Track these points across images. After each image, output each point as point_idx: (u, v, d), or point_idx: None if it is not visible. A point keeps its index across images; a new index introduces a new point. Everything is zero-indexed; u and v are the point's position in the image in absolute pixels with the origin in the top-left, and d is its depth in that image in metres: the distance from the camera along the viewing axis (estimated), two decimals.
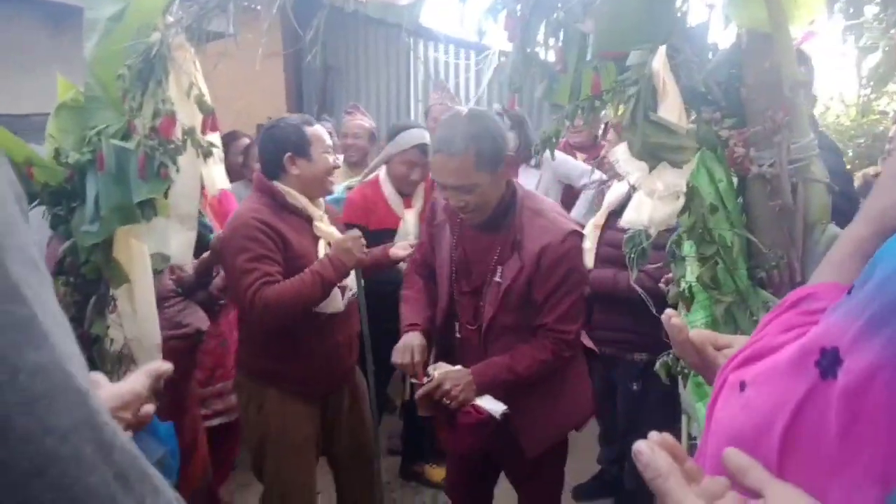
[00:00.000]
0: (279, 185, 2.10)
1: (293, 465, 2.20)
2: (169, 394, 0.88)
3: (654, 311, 2.04)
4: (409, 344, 1.87)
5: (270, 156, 2.13)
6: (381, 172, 2.90)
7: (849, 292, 0.48)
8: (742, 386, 0.54)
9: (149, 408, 0.81)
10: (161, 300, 2.67)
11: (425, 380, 1.81)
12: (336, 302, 2.12)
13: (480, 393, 1.79)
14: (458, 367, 1.84)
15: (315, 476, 2.31)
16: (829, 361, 0.46)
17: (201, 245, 2.31)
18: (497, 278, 1.85)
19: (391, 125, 3.10)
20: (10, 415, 0.35)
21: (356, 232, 2.09)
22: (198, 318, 2.50)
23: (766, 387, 0.50)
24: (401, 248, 2.47)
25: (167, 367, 0.88)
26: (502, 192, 1.83)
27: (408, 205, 2.88)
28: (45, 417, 0.36)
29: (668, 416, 2.74)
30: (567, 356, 1.88)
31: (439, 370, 1.84)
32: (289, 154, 2.09)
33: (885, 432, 0.41)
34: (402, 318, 2.00)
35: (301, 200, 2.11)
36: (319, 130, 2.16)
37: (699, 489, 0.47)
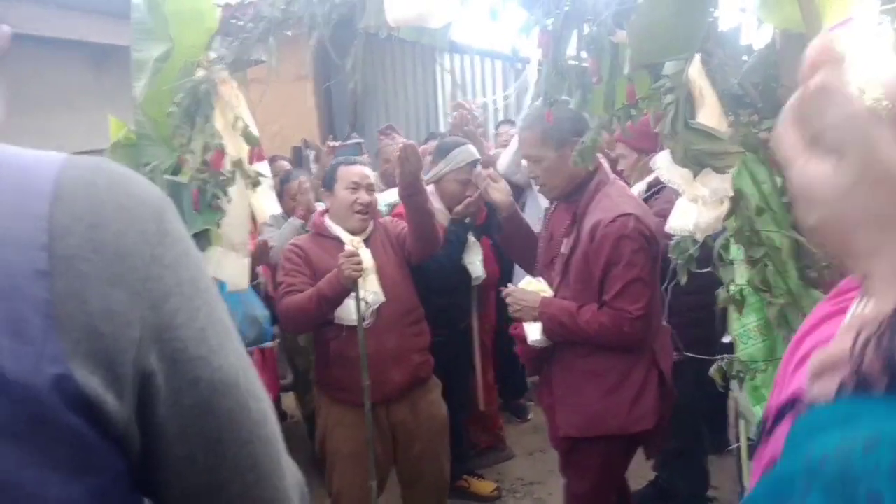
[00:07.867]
0: (321, 216, 2.39)
1: (343, 470, 2.29)
2: None
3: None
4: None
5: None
6: (430, 189, 2.69)
7: None
8: None
9: None
10: None
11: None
12: (348, 313, 2.21)
13: (537, 319, 1.98)
14: (544, 286, 2.05)
15: (369, 485, 2.31)
16: None
17: None
18: (563, 250, 2.00)
19: (440, 140, 3.02)
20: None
21: (351, 250, 2.18)
22: None
23: None
24: None
25: None
26: (574, 171, 1.92)
27: None
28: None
29: (712, 418, 2.70)
30: (629, 335, 1.89)
31: (525, 284, 2.10)
32: (323, 188, 2.42)
33: None
34: None
35: (335, 229, 2.32)
36: (352, 170, 2.34)
37: None
